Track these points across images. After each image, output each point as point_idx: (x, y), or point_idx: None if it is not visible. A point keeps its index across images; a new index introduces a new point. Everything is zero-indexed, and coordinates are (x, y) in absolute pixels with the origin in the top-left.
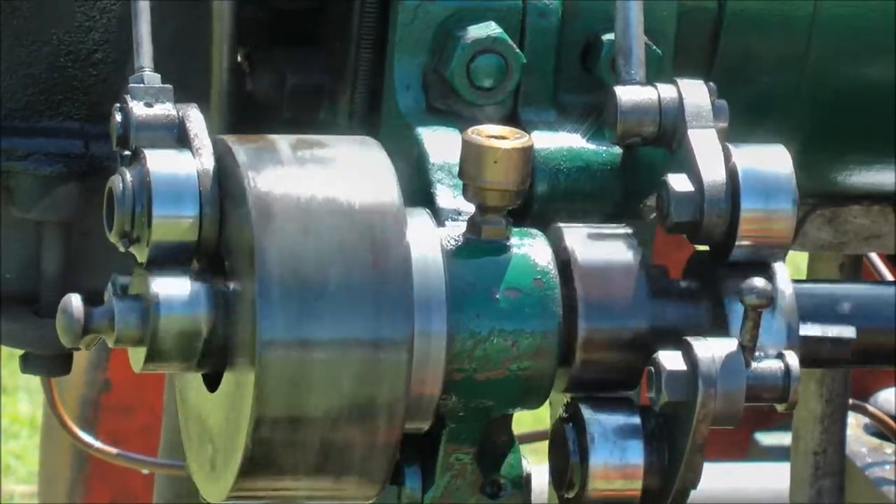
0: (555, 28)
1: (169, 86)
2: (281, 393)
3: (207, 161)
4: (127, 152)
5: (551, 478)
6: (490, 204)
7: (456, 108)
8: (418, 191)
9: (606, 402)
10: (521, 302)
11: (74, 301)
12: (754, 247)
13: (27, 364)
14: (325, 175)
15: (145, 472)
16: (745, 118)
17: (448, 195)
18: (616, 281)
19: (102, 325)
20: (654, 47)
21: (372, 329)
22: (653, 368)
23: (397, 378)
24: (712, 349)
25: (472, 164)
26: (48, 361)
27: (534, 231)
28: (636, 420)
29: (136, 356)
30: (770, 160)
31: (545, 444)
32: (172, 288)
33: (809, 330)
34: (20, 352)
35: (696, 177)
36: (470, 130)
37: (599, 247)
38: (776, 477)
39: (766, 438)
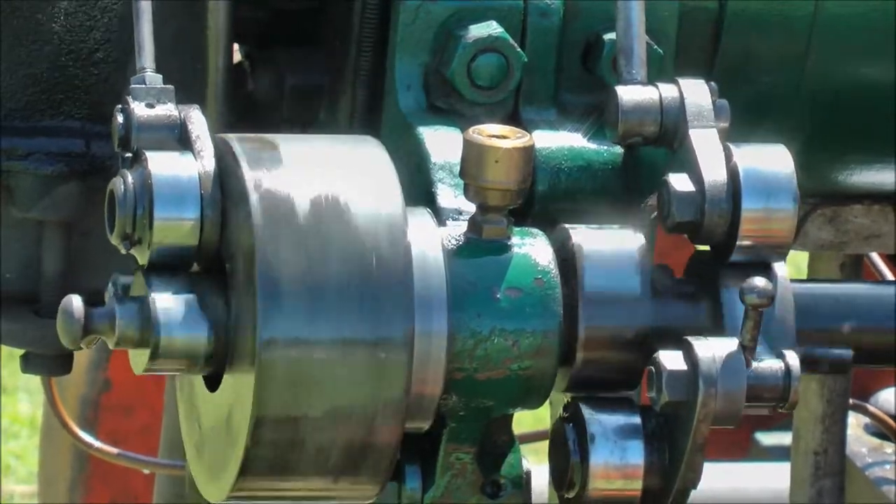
0: (556, 27)
1: (170, 86)
2: (281, 393)
3: (209, 163)
4: (128, 154)
5: (551, 478)
6: (491, 203)
7: (457, 108)
8: (419, 190)
9: (607, 401)
10: (521, 301)
11: (75, 302)
12: (755, 247)
13: (27, 364)
14: (325, 175)
15: (146, 471)
16: (746, 118)
17: (449, 195)
18: (618, 280)
19: (103, 326)
20: (656, 47)
21: (372, 329)
22: (653, 368)
23: (397, 378)
24: (713, 349)
25: (473, 163)
26: (48, 361)
27: (535, 230)
28: (637, 420)
29: (137, 359)
30: (771, 160)
31: (546, 444)
32: (173, 311)
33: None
34: (20, 352)
35: (697, 177)
36: (471, 130)
37: (602, 246)
38: (776, 477)
39: (767, 438)
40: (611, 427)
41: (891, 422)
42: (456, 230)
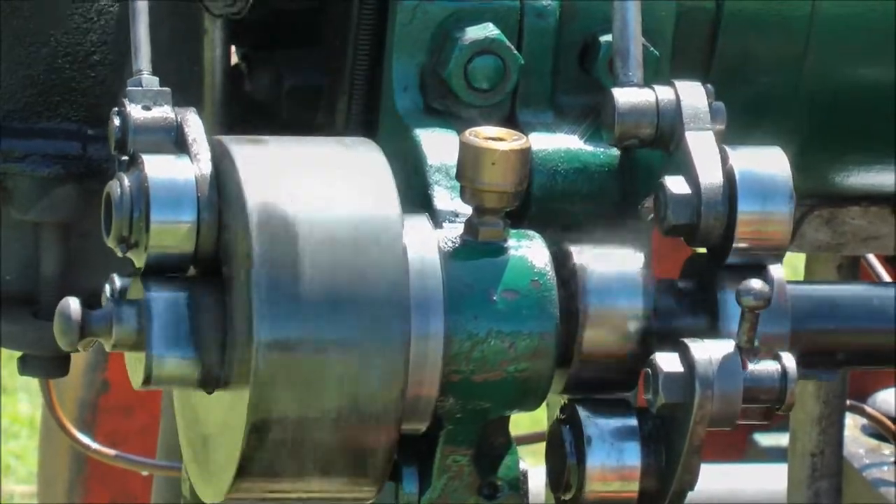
0: (552, 29)
1: (167, 89)
2: (278, 395)
3: (206, 166)
4: (125, 157)
5: (548, 479)
6: (487, 205)
7: (454, 110)
8: (416, 192)
9: (603, 403)
10: (518, 303)
11: (72, 305)
12: (751, 249)
13: (25, 366)
14: (322, 177)
15: (144, 473)
16: (744, 119)
17: (445, 197)
18: (615, 283)
19: (100, 329)
20: (652, 48)
21: (368, 331)
22: (650, 370)
23: (394, 380)
24: (709, 351)
25: (469, 165)
26: (46, 363)
27: (531, 233)
28: (633, 422)
29: (135, 375)
30: (767, 162)
31: (542, 446)
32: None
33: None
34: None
35: (693, 179)
36: (467, 132)
37: (600, 248)
38: (774, 478)
39: (764, 439)
40: (607, 429)
41: (888, 423)
42: (452, 232)
